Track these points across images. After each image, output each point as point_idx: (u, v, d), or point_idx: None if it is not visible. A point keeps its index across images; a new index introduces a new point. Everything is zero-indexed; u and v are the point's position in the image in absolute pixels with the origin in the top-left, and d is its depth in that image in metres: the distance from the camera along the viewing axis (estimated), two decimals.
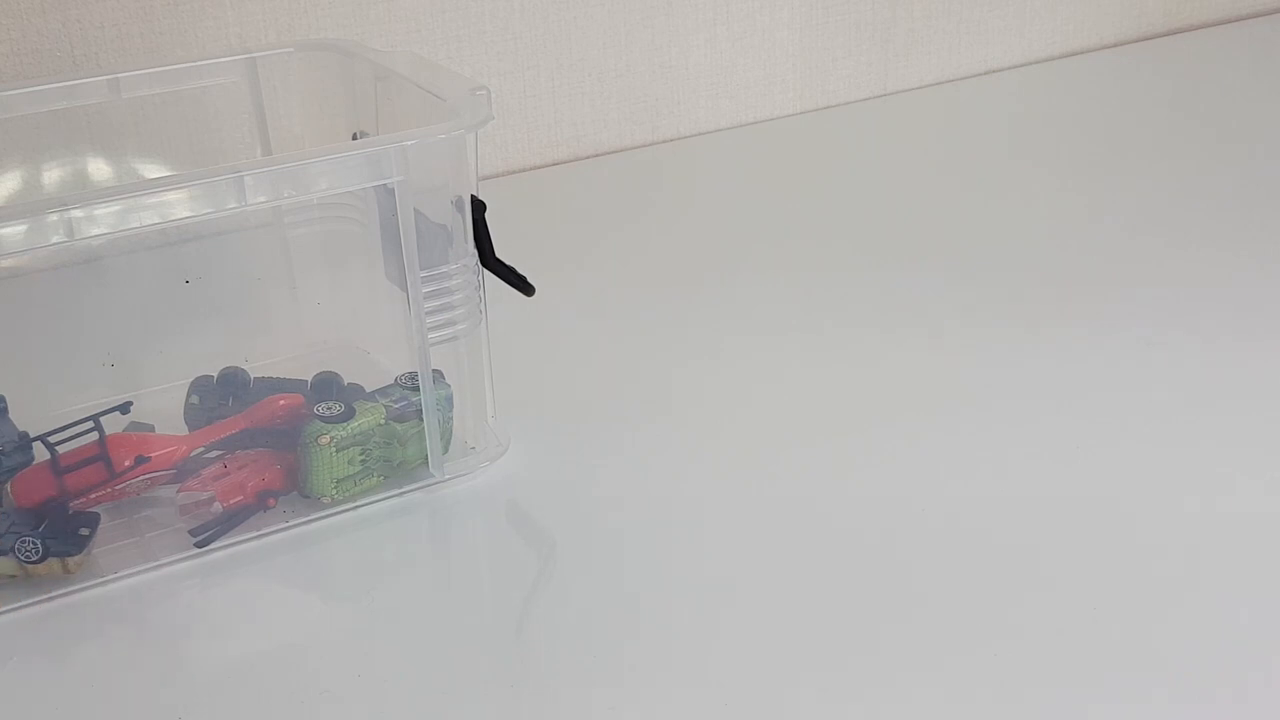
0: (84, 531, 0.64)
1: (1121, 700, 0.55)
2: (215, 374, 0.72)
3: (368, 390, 0.71)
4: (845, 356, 0.82)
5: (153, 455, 0.66)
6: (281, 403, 0.69)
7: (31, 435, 0.66)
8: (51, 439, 0.64)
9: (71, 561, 0.63)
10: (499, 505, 0.70)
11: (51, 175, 0.78)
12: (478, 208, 0.67)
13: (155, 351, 0.75)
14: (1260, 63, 1.35)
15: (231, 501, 0.66)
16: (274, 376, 0.73)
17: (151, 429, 0.69)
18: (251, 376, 0.73)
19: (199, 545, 0.65)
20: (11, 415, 0.67)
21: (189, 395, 0.72)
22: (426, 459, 0.70)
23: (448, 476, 0.71)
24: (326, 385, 0.72)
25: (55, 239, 0.57)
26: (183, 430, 0.70)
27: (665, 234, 1.00)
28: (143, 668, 0.59)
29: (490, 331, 0.71)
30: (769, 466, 0.71)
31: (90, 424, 0.65)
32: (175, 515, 0.67)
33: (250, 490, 0.67)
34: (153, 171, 0.80)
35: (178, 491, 0.67)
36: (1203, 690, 0.55)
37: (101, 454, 0.65)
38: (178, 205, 0.59)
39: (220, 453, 0.68)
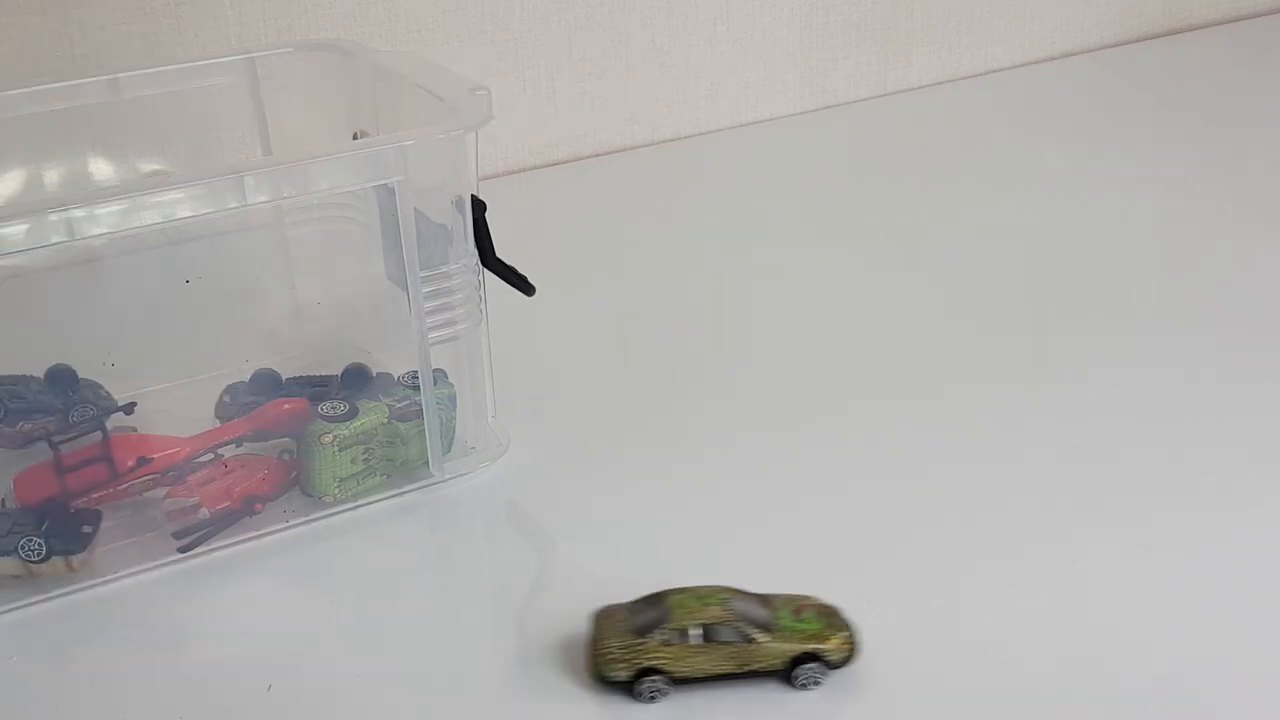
0: (86, 529, 0.64)
1: None
2: (246, 377, 0.73)
3: (395, 379, 0.71)
4: (845, 355, 0.82)
5: (155, 457, 0.66)
6: (286, 407, 0.69)
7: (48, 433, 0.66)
8: (54, 439, 0.64)
9: (75, 559, 0.63)
10: (499, 505, 0.70)
11: (51, 175, 0.78)
12: (478, 207, 0.67)
13: (155, 351, 0.75)
14: (1260, 63, 1.35)
15: (218, 507, 0.66)
16: (305, 375, 0.73)
17: (134, 430, 0.69)
18: (283, 377, 0.73)
19: (181, 550, 0.65)
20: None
21: (221, 395, 0.72)
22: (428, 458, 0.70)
23: (448, 476, 0.71)
24: (359, 375, 0.72)
25: (55, 239, 0.57)
26: (179, 429, 0.70)
27: (665, 234, 1.00)
28: (145, 666, 0.59)
29: (490, 331, 0.71)
30: (769, 465, 0.72)
31: (93, 424, 0.65)
32: (162, 519, 0.67)
33: (238, 495, 0.67)
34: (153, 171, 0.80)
35: (164, 499, 0.67)
36: None
37: (104, 454, 0.65)
38: (178, 205, 0.59)
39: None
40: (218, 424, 0.71)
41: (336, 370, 0.73)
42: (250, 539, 0.66)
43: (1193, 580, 0.62)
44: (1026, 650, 0.58)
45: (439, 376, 0.69)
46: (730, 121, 1.22)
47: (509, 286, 0.69)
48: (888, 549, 0.65)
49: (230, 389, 0.72)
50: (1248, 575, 0.62)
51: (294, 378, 0.73)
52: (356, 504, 0.69)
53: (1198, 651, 0.57)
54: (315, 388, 0.72)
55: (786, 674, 0.56)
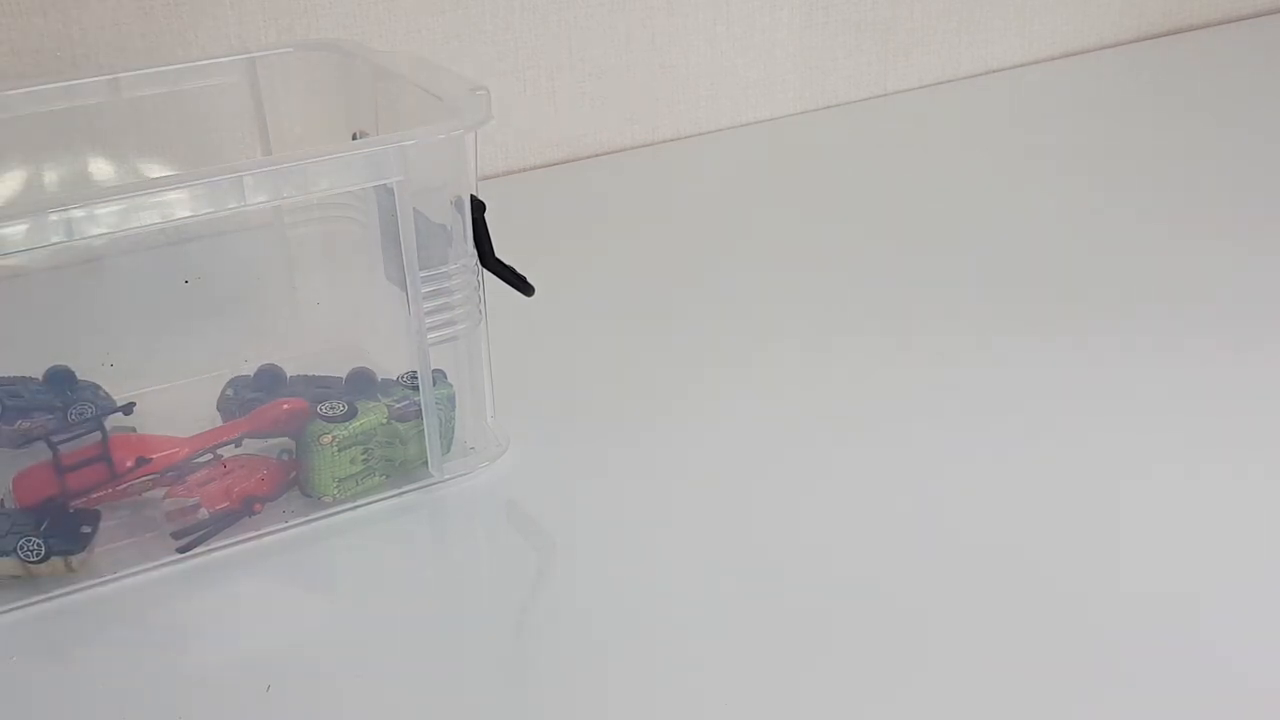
0: (86, 529, 0.64)
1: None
2: (251, 372, 0.72)
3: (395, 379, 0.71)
4: (844, 357, 0.82)
5: (154, 457, 0.66)
6: (285, 407, 0.69)
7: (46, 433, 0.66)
8: (54, 439, 0.64)
9: (74, 560, 0.63)
10: (499, 505, 0.70)
11: (51, 175, 0.78)
12: (477, 208, 0.67)
13: (155, 351, 0.75)
14: (1260, 63, 1.35)
15: (218, 507, 0.66)
16: (310, 374, 0.73)
17: (133, 430, 0.69)
18: (288, 374, 0.73)
19: (181, 550, 0.65)
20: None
21: (224, 389, 0.72)
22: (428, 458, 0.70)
23: (447, 476, 0.71)
24: (362, 379, 0.72)
25: (55, 239, 0.57)
26: (179, 430, 0.70)
27: (665, 234, 1.01)
28: (144, 667, 0.59)
29: (490, 331, 0.71)
30: (768, 466, 0.72)
31: (92, 424, 0.65)
32: (162, 519, 0.67)
33: (237, 496, 0.67)
34: (153, 171, 0.80)
35: (163, 499, 0.67)
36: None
37: (103, 455, 0.65)
38: (178, 205, 0.59)
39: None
40: (219, 417, 0.71)
41: (336, 370, 0.73)
42: (249, 539, 0.66)
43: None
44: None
45: (438, 377, 0.69)
46: (730, 121, 1.22)
47: (508, 286, 0.69)
48: (891, 553, 0.65)
49: (233, 383, 0.72)
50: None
51: (299, 376, 0.73)
52: (356, 504, 0.69)
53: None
54: (320, 389, 0.72)
55: None
